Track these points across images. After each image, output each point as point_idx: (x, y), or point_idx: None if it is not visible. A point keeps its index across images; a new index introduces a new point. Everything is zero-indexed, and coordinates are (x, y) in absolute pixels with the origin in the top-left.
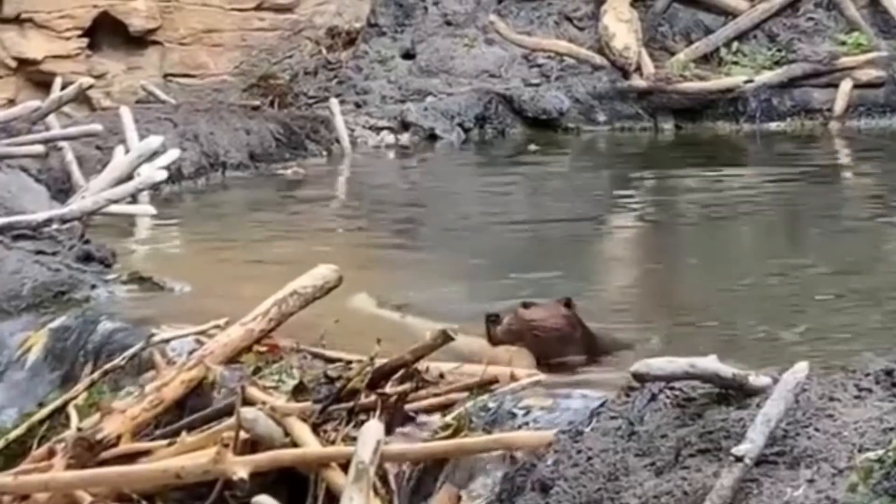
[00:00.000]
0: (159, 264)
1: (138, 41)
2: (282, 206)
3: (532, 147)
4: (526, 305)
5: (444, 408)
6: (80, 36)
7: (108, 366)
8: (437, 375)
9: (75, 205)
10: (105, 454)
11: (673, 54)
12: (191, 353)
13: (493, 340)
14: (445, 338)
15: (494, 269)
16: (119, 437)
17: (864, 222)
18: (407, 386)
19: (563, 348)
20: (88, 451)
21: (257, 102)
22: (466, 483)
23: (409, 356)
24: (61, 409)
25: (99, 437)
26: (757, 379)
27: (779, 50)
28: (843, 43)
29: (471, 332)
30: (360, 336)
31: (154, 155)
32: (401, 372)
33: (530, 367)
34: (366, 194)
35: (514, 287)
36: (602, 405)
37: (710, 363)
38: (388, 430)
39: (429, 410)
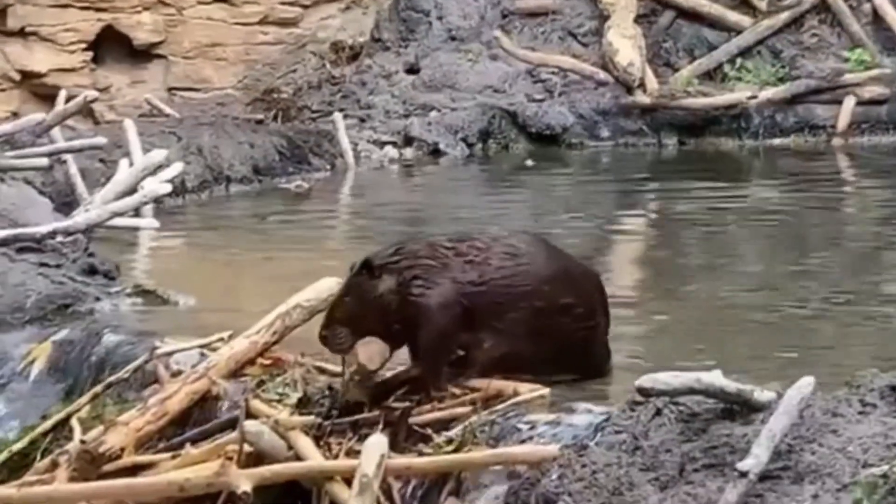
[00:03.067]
0: (163, 277)
1: (142, 55)
2: (286, 219)
3: (529, 162)
4: (335, 306)
5: (449, 422)
6: (84, 49)
7: (111, 378)
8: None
9: (79, 217)
10: (108, 467)
11: (676, 70)
12: (194, 366)
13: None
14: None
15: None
16: (122, 450)
17: (868, 240)
18: (411, 400)
19: None
20: (91, 464)
21: (261, 116)
22: (471, 498)
23: (413, 371)
24: (65, 422)
25: (102, 449)
26: (761, 394)
27: (782, 66)
28: (847, 59)
29: None
30: None
31: (158, 168)
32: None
33: (381, 353)
34: (369, 209)
35: None
36: (607, 420)
37: (714, 378)
38: (393, 444)
39: (433, 425)
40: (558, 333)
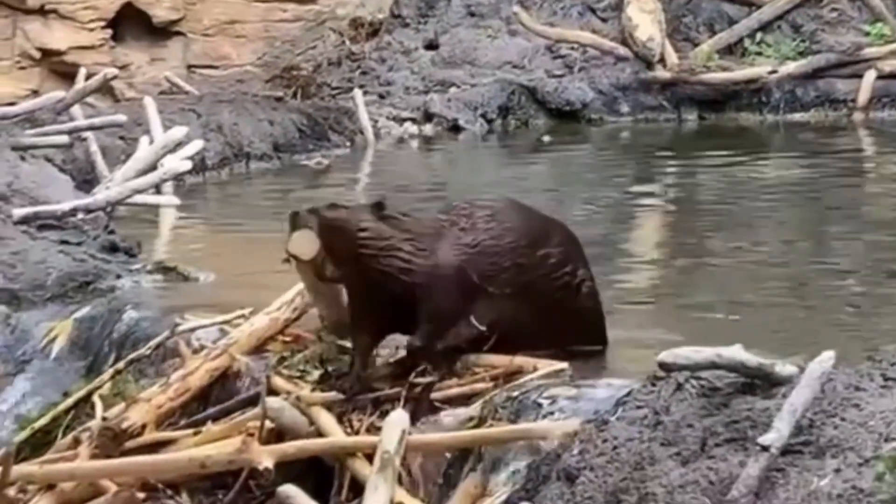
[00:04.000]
0: (184, 254)
1: (162, 32)
2: (306, 196)
3: (546, 138)
4: (331, 207)
5: (469, 398)
6: (103, 27)
7: (133, 355)
8: (462, 365)
9: (100, 195)
10: (130, 443)
11: (696, 45)
12: (215, 342)
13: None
14: (472, 328)
15: None
16: (144, 427)
17: (888, 213)
18: (432, 376)
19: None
20: (113, 441)
21: (280, 93)
22: (492, 473)
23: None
24: (86, 399)
25: (124, 426)
26: (783, 368)
27: (803, 41)
28: (867, 33)
29: None
30: None
31: (178, 146)
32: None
33: (312, 248)
34: (389, 185)
35: None
36: (628, 395)
37: (735, 353)
38: (414, 420)
39: (454, 400)
40: (542, 287)
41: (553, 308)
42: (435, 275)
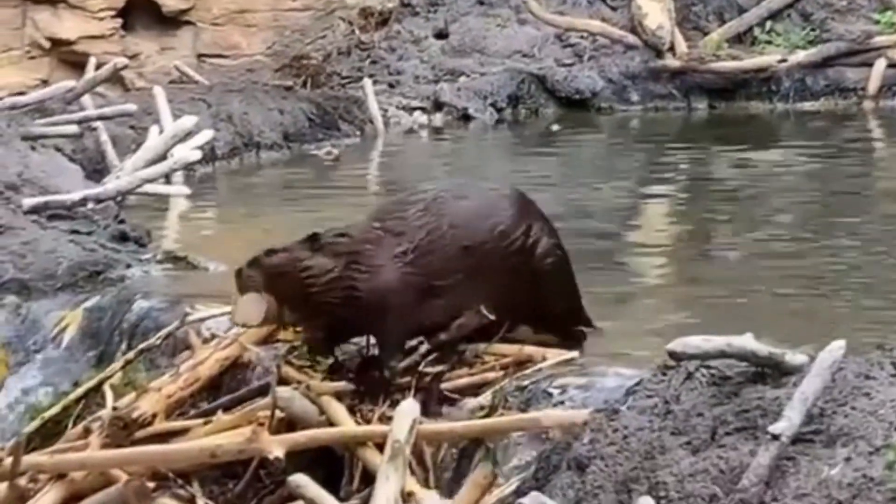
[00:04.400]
0: (194, 244)
1: (171, 22)
2: (315, 185)
3: (555, 127)
4: (269, 253)
5: (480, 387)
6: (113, 16)
7: (143, 345)
8: (472, 355)
9: (110, 184)
10: (140, 433)
11: (706, 34)
12: (226, 332)
13: (241, 290)
14: (481, 317)
15: None
16: (154, 416)
17: None
18: (443, 366)
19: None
20: (124, 430)
21: (290, 83)
22: (502, 462)
23: (444, 336)
24: (97, 389)
25: (134, 415)
26: (793, 357)
27: (812, 29)
28: (877, 22)
29: None
30: None
31: (188, 135)
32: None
33: (259, 313)
34: (399, 174)
35: None
36: (638, 384)
37: (746, 342)
38: (424, 410)
39: (464, 390)
40: (494, 259)
41: (511, 275)
42: (379, 299)
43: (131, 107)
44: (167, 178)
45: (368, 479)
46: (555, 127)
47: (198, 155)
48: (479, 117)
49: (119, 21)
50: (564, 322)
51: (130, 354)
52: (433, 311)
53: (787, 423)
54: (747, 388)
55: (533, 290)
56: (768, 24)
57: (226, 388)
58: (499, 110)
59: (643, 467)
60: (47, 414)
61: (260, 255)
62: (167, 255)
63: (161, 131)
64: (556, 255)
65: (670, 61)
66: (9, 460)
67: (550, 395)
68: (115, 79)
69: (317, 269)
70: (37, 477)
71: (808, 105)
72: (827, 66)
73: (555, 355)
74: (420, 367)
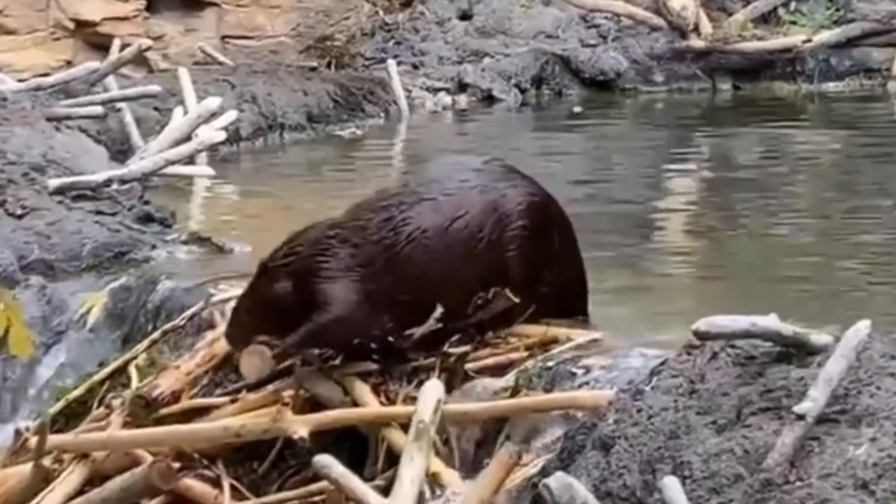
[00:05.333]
0: (218, 225)
1: (195, 3)
2: (340, 166)
3: (577, 108)
4: (236, 309)
5: (504, 368)
6: None
7: (167, 326)
8: (497, 335)
9: (134, 165)
10: (164, 411)
11: (731, 14)
12: None
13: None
14: (506, 299)
15: None
16: (177, 396)
17: None
18: (467, 346)
19: None
20: (145, 409)
21: (314, 64)
22: (526, 442)
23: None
24: (122, 370)
25: (155, 394)
26: (818, 337)
27: (837, 9)
28: None
29: None
30: None
31: (212, 116)
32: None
33: (261, 367)
34: (423, 155)
35: None
36: (662, 364)
37: (771, 322)
38: (449, 390)
39: (489, 370)
40: (464, 254)
41: (485, 271)
42: (337, 326)
43: (155, 88)
44: (191, 159)
45: (393, 459)
46: (577, 108)
47: (222, 136)
48: (503, 98)
49: (143, 2)
50: (558, 303)
51: (155, 335)
52: (392, 321)
53: (812, 403)
54: (772, 368)
55: (503, 275)
56: (793, 4)
57: None
58: (523, 91)
59: (668, 447)
60: (72, 395)
61: (232, 313)
62: (192, 236)
63: (185, 112)
64: (525, 238)
65: (695, 42)
66: (34, 440)
67: (575, 375)
68: (140, 60)
69: (278, 297)
70: (61, 457)
71: (832, 86)
72: (852, 47)
73: (579, 336)
74: (444, 348)
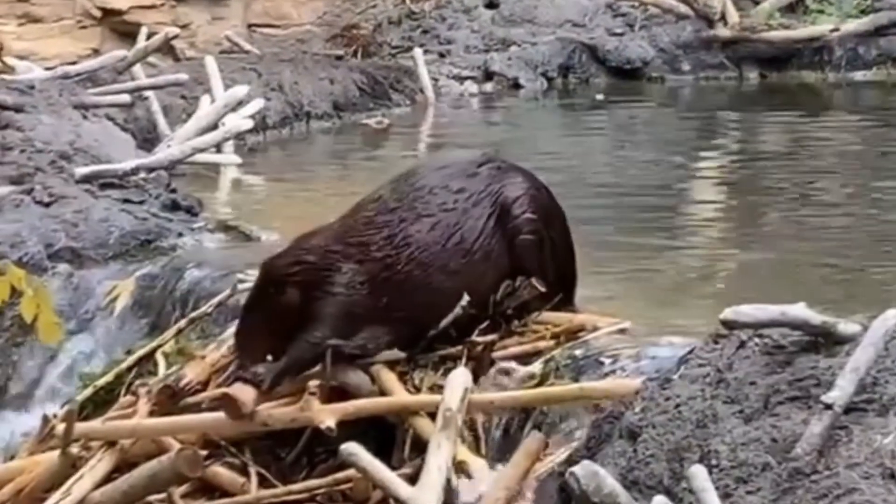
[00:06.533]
0: (245, 213)
1: None
2: (367, 155)
3: (599, 96)
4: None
5: (531, 356)
6: None
7: (194, 314)
8: (523, 324)
9: (161, 154)
10: (192, 399)
11: (758, 3)
12: None
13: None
14: (533, 288)
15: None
16: (205, 385)
17: None
18: (494, 334)
19: None
20: (172, 399)
21: (341, 52)
22: (553, 431)
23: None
24: (149, 357)
25: (181, 383)
26: (846, 326)
27: None
28: None
29: None
30: None
31: (239, 104)
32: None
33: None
34: (449, 144)
35: (594, 232)
36: (690, 352)
37: (799, 310)
38: (476, 379)
39: (516, 359)
40: (462, 278)
41: (485, 278)
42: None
43: (182, 76)
44: (218, 147)
45: (420, 447)
46: (599, 96)
47: (249, 124)
48: (530, 87)
49: None
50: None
51: (182, 323)
52: (386, 334)
53: (840, 392)
54: (800, 357)
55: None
56: None
57: None
58: (549, 80)
59: (695, 436)
60: (100, 382)
61: (240, 321)
62: (218, 224)
63: (212, 101)
64: (526, 252)
65: (722, 31)
66: (61, 427)
67: (602, 364)
68: (167, 48)
69: (285, 307)
70: (89, 445)
71: (859, 75)
72: (879, 36)
73: (606, 324)
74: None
